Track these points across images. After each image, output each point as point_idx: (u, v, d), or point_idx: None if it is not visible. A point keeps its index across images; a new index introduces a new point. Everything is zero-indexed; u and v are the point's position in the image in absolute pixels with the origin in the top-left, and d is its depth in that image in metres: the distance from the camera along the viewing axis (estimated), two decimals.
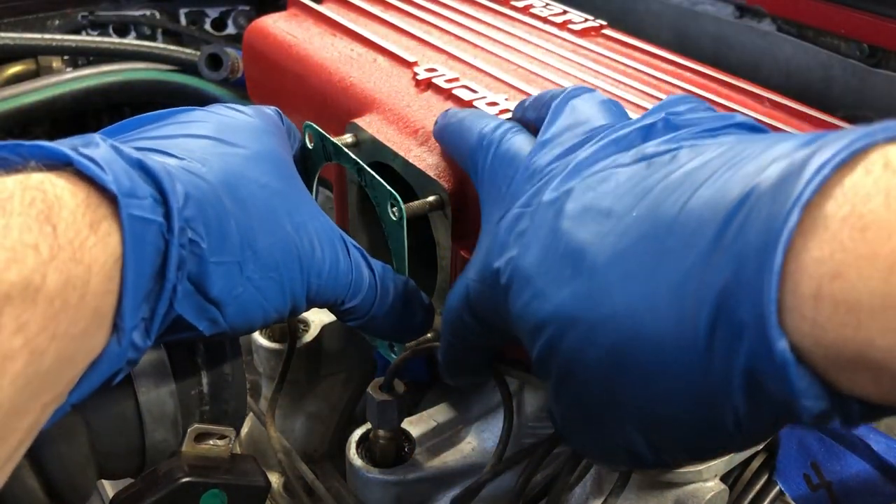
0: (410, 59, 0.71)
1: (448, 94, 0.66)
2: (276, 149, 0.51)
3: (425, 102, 0.66)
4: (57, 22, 1.27)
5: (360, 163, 0.57)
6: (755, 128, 0.43)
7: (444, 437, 0.70)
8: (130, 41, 1.24)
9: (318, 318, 0.75)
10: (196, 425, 0.50)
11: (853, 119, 0.76)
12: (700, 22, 0.96)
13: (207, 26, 1.35)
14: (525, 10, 0.84)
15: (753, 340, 0.31)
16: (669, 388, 0.36)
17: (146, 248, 0.39)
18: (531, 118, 0.53)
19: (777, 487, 0.61)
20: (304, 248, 0.48)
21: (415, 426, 0.69)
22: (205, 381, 0.52)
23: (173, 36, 1.32)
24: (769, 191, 0.32)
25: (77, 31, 1.27)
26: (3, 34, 1.14)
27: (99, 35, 1.28)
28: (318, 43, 0.77)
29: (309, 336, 0.74)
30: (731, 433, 0.35)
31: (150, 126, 0.48)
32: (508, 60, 0.72)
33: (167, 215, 0.40)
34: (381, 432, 0.65)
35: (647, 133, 0.43)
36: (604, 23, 0.81)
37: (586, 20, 0.81)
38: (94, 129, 0.45)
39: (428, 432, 0.69)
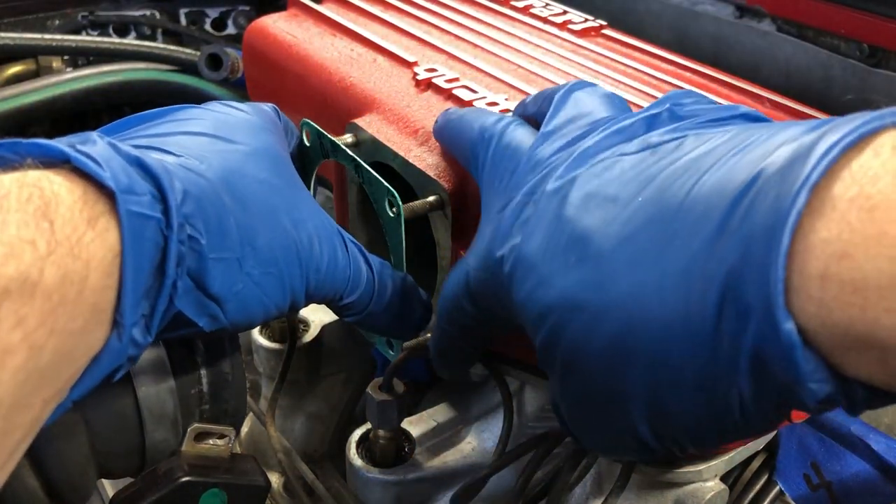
0: (410, 59, 0.71)
1: (448, 94, 0.66)
2: (274, 145, 0.51)
3: (425, 102, 0.66)
4: (57, 22, 1.27)
5: (358, 159, 0.57)
6: (759, 118, 0.43)
7: (444, 437, 0.70)
8: (130, 41, 1.24)
9: (318, 318, 0.75)
10: (196, 425, 0.50)
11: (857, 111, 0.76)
12: (700, 22, 0.96)
13: (207, 26, 1.35)
14: (525, 10, 0.84)
15: (760, 322, 0.32)
16: (675, 373, 0.36)
17: (145, 244, 0.39)
18: (532, 113, 0.53)
19: (777, 487, 0.61)
20: (303, 244, 0.49)
21: (415, 426, 0.69)
22: (204, 380, 0.52)
23: (173, 36, 1.32)
24: (777, 173, 0.33)
25: (77, 31, 1.27)
26: (3, 34, 1.14)
27: (99, 35, 1.28)
28: (318, 43, 0.77)
29: (309, 336, 0.74)
30: (736, 419, 0.35)
31: (147, 124, 0.48)
32: (508, 60, 0.72)
33: (166, 212, 0.40)
34: (381, 432, 0.65)
35: (651, 123, 0.44)
36: (604, 23, 0.81)
37: (586, 20, 0.81)
38: (94, 130, 0.45)
39: (428, 432, 0.69)
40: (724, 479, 0.55)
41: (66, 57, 1.22)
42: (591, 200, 0.41)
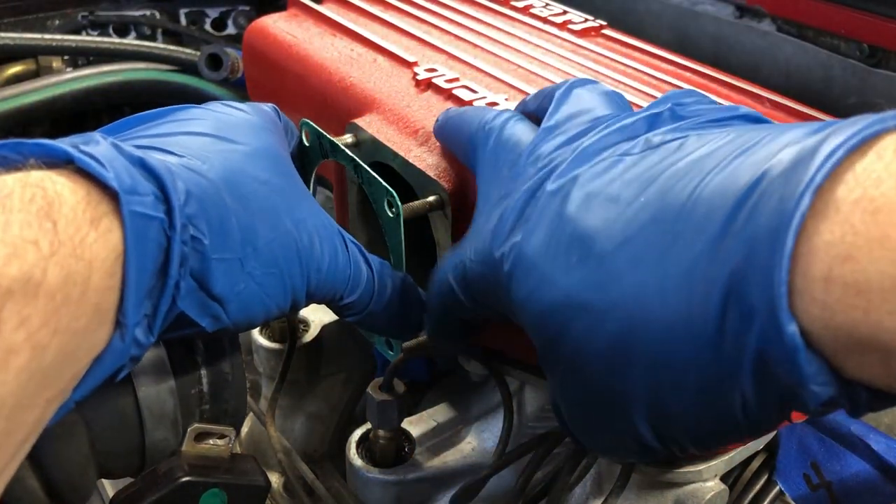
0: (410, 59, 0.71)
1: (448, 94, 0.66)
2: (275, 145, 0.51)
3: (425, 102, 0.66)
4: (57, 22, 1.27)
5: (357, 160, 0.57)
6: (760, 119, 0.43)
7: (444, 437, 0.70)
8: (130, 41, 1.24)
9: (318, 318, 0.75)
10: (196, 425, 0.50)
11: (860, 114, 0.76)
12: (700, 22, 0.96)
13: (207, 26, 1.35)
14: (525, 10, 0.84)
15: (763, 324, 0.32)
16: (678, 374, 0.36)
17: (148, 245, 0.39)
18: (532, 110, 0.53)
19: (777, 487, 0.61)
20: (304, 244, 0.49)
21: (415, 426, 0.69)
22: (204, 380, 0.52)
23: (173, 36, 1.32)
24: (781, 175, 0.33)
25: (77, 31, 1.27)
26: (3, 34, 1.14)
27: (99, 35, 1.28)
28: (318, 43, 0.77)
29: (309, 336, 0.74)
30: (739, 420, 0.35)
31: (148, 124, 0.48)
32: (508, 60, 0.72)
33: (169, 212, 0.40)
34: (381, 432, 0.65)
35: (653, 122, 0.44)
36: (604, 23, 0.81)
37: (586, 20, 0.81)
38: (94, 130, 0.45)
39: (428, 432, 0.69)
40: (724, 479, 0.55)
41: (66, 57, 1.22)
42: (593, 200, 0.41)
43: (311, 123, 0.61)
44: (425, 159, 0.60)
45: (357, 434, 0.67)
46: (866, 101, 0.81)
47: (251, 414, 0.76)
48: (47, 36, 1.17)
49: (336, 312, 0.56)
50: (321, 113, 0.72)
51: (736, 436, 0.37)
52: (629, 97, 0.65)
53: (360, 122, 0.65)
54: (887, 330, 0.29)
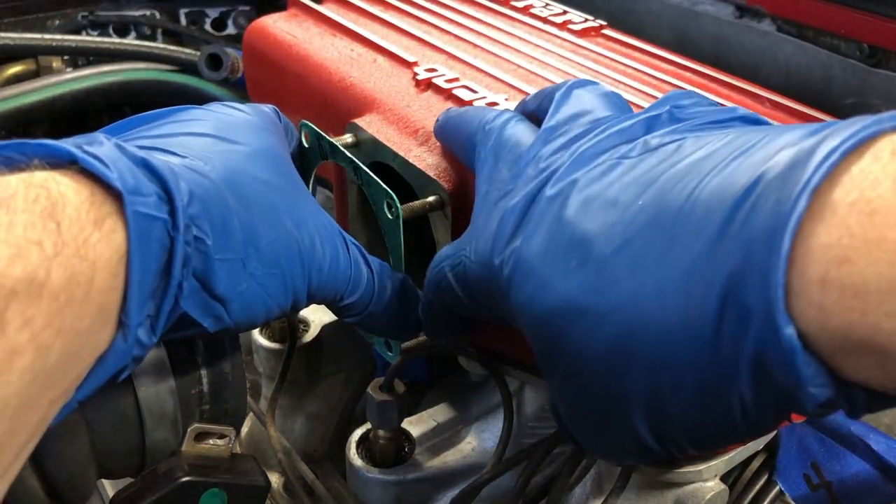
0: (410, 59, 0.71)
1: (448, 94, 0.66)
2: (275, 146, 0.51)
3: (425, 102, 0.66)
4: (57, 22, 1.27)
5: (356, 161, 0.57)
6: (758, 121, 0.43)
7: (444, 437, 0.70)
8: (130, 41, 1.24)
9: (318, 318, 0.75)
10: (196, 425, 0.50)
11: (857, 115, 0.76)
12: (700, 22, 0.96)
13: (207, 26, 1.35)
14: (525, 10, 0.84)
15: (761, 326, 0.32)
16: (676, 376, 0.36)
17: (151, 245, 0.39)
18: (532, 110, 0.53)
19: (777, 487, 0.61)
20: (305, 244, 0.49)
21: (415, 426, 0.69)
22: (205, 380, 0.52)
23: (173, 36, 1.32)
24: (777, 177, 0.33)
25: (77, 31, 1.27)
26: (3, 34, 1.14)
27: (99, 35, 1.28)
28: (318, 43, 0.77)
29: (309, 336, 0.74)
30: (737, 422, 0.35)
31: (149, 125, 0.48)
32: (508, 60, 0.72)
33: (172, 213, 0.40)
34: (381, 432, 0.65)
35: (650, 124, 0.44)
36: (604, 23, 0.81)
37: (586, 20, 0.81)
38: (94, 130, 0.45)
39: (428, 432, 0.69)
40: (724, 479, 0.55)
41: (66, 57, 1.22)
42: (592, 204, 0.41)
43: (311, 125, 0.61)
44: (425, 159, 0.60)
45: (357, 434, 0.67)
46: (864, 101, 0.81)
47: (251, 414, 0.76)
48: (47, 36, 1.17)
49: (336, 313, 0.56)
50: (321, 113, 0.72)
51: (734, 437, 0.37)
52: (629, 97, 0.65)
53: (360, 122, 0.65)
54: (884, 332, 0.29)
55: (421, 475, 0.66)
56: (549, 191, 0.43)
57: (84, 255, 0.35)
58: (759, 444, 0.58)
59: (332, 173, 0.69)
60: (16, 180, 0.35)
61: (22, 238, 0.33)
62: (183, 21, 1.34)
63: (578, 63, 0.72)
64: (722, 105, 0.46)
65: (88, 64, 1.21)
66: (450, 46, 0.75)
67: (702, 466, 0.53)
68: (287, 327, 0.72)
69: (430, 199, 0.58)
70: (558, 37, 0.79)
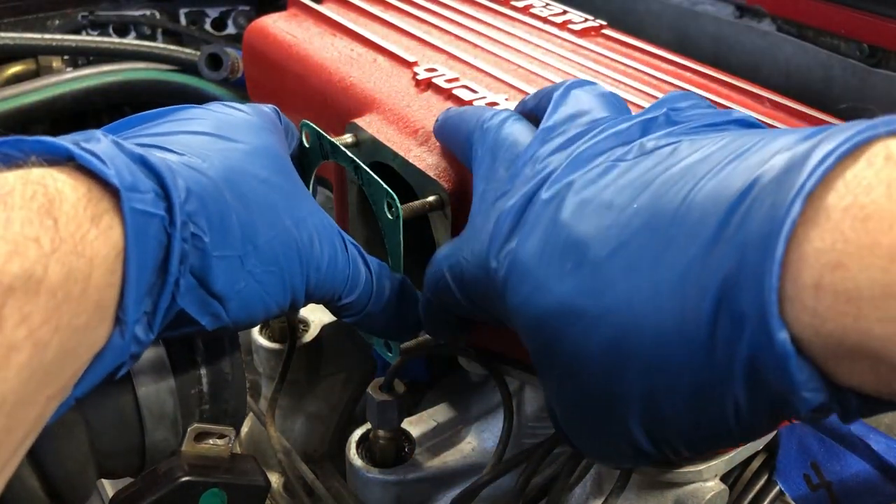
0: (410, 59, 0.71)
1: (448, 94, 0.66)
2: (275, 145, 0.51)
3: (425, 102, 0.66)
4: (57, 22, 1.27)
5: (357, 161, 0.57)
6: (754, 124, 0.43)
7: (444, 437, 0.70)
8: (130, 41, 1.24)
9: (317, 318, 0.75)
10: (196, 425, 0.50)
11: (853, 119, 0.76)
12: (700, 22, 0.96)
13: (207, 26, 1.35)
14: (525, 10, 0.84)
15: (754, 331, 0.32)
16: (671, 378, 0.36)
17: (148, 242, 0.39)
18: (531, 109, 0.53)
19: (777, 487, 0.61)
20: (303, 242, 0.49)
21: (415, 426, 0.69)
22: (204, 380, 0.52)
23: (173, 36, 1.32)
24: (772, 182, 0.33)
25: (77, 31, 1.27)
26: (3, 34, 1.14)
27: (99, 35, 1.28)
28: (318, 43, 0.77)
29: (309, 336, 0.74)
30: (731, 426, 0.35)
31: (148, 124, 0.48)
32: (508, 60, 0.72)
33: (169, 209, 0.40)
34: (381, 432, 0.65)
35: (647, 127, 0.44)
36: (604, 23, 0.81)
37: (586, 20, 0.81)
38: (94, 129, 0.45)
39: (428, 432, 0.69)
40: (724, 479, 0.55)
41: (66, 57, 1.22)
42: (587, 206, 0.41)
43: (312, 125, 0.61)
44: (425, 159, 0.60)
45: (357, 434, 0.67)
46: (859, 105, 0.81)
47: (251, 414, 0.76)
48: (47, 36, 1.17)
49: (334, 313, 0.55)
50: (321, 113, 0.72)
51: (729, 440, 0.37)
52: (629, 97, 0.65)
53: (360, 121, 0.65)
54: (877, 337, 0.29)
55: (421, 475, 0.66)
56: (545, 193, 0.43)
57: (81, 251, 0.35)
58: (759, 444, 0.58)
59: (333, 173, 0.69)
60: (13, 177, 0.35)
61: (19, 235, 0.33)
62: (183, 21, 1.34)
63: (578, 63, 0.72)
64: (721, 106, 0.46)
65: (88, 64, 1.21)
66: (450, 46, 0.75)
67: (702, 466, 0.53)
68: (287, 327, 0.72)
69: (430, 198, 0.58)
70: (558, 37, 0.79)
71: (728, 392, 0.34)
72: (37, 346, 0.33)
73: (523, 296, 0.42)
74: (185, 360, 0.51)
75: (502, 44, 0.76)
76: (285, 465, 0.67)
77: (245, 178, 0.47)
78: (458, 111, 0.58)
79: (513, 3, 0.86)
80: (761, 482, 0.61)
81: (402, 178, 0.61)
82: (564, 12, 0.83)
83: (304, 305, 0.52)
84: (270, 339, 0.74)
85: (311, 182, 0.63)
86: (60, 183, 0.36)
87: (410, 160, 0.60)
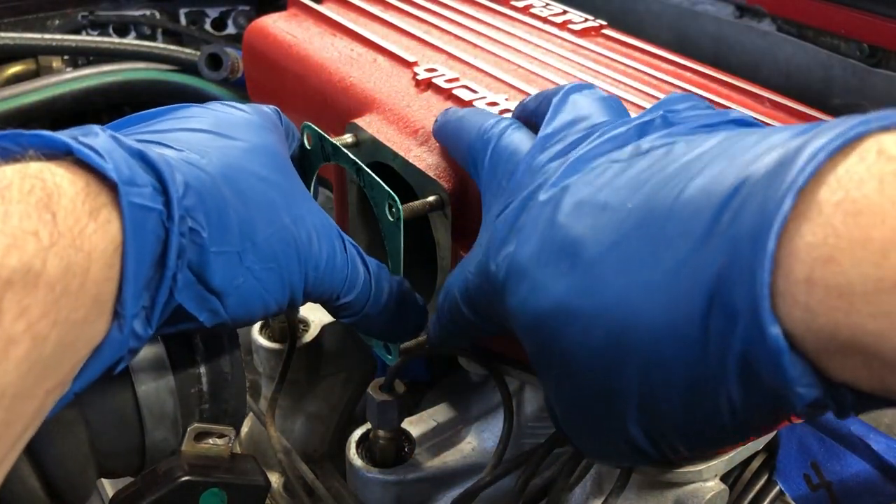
0: (410, 59, 0.71)
1: (448, 94, 0.66)
2: (274, 143, 0.51)
3: (425, 102, 0.66)
4: (57, 22, 1.27)
5: (359, 163, 0.57)
6: (751, 124, 0.43)
7: (444, 437, 0.70)
8: (130, 41, 1.24)
9: (318, 318, 0.75)
10: (196, 424, 0.50)
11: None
12: (700, 22, 0.96)
13: (207, 26, 1.35)
14: (525, 10, 0.84)
15: (747, 326, 0.32)
16: (666, 375, 0.36)
17: (146, 236, 0.39)
18: (530, 114, 0.53)
19: (777, 487, 0.61)
20: (302, 240, 0.49)
21: (415, 426, 0.69)
22: (204, 379, 0.52)
23: (173, 36, 1.32)
24: (764, 178, 0.33)
25: (77, 31, 1.27)
26: (3, 34, 1.14)
27: (99, 35, 1.28)
28: (318, 43, 0.77)
29: (309, 336, 0.74)
30: (727, 422, 0.35)
31: (148, 122, 0.49)
32: (508, 60, 0.72)
33: (167, 204, 0.40)
34: (381, 432, 0.65)
35: (644, 130, 0.44)
36: (604, 23, 0.81)
37: (586, 20, 0.81)
38: None
39: (428, 432, 0.69)
40: (724, 479, 0.55)
41: (66, 57, 1.22)
42: (583, 208, 0.41)
43: (314, 126, 0.61)
44: (425, 159, 0.60)
45: (357, 434, 0.67)
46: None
47: (251, 414, 0.76)
48: (47, 36, 1.17)
49: (332, 313, 0.55)
50: (321, 113, 0.72)
51: (725, 437, 0.37)
52: (629, 97, 0.65)
53: (360, 122, 0.65)
54: (869, 332, 0.29)
55: (421, 475, 0.66)
56: (542, 196, 0.44)
57: (80, 245, 0.35)
58: (759, 444, 0.58)
59: (333, 174, 0.69)
60: (11, 171, 0.35)
61: (18, 228, 0.33)
62: (183, 21, 1.34)
63: (578, 63, 0.72)
64: (721, 106, 0.46)
65: (88, 64, 1.21)
66: (450, 46, 0.75)
67: (702, 466, 0.53)
68: (287, 327, 0.72)
69: (430, 198, 0.58)
70: (558, 37, 0.79)
71: (722, 388, 0.34)
72: (35, 340, 0.33)
73: (521, 297, 0.42)
74: (184, 359, 0.51)
75: (502, 44, 0.76)
76: (285, 465, 0.67)
77: (244, 175, 0.47)
78: (456, 116, 0.58)
79: (513, 2, 0.86)
80: (761, 482, 0.61)
81: (401, 178, 0.61)
82: (564, 12, 0.83)
83: (303, 304, 0.52)
84: (270, 338, 0.74)
85: (313, 183, 0.63)
86: (59, 177, 0.36)
87: (410, 160, 0.60)
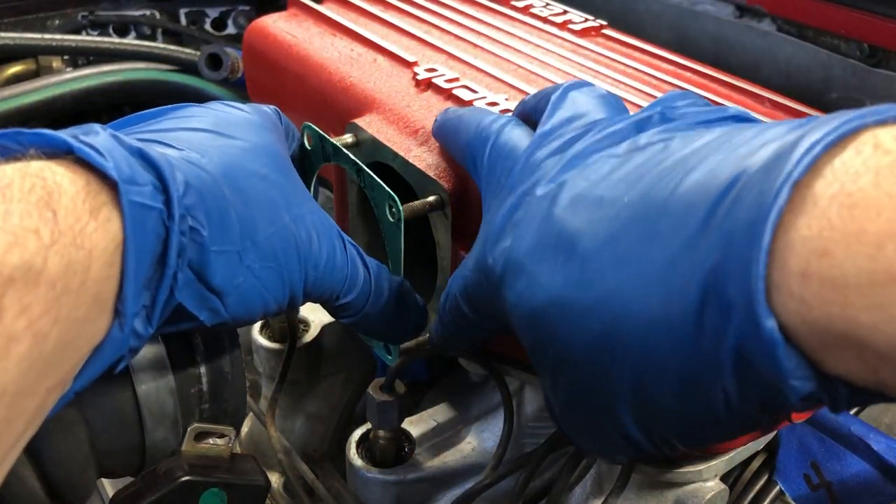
0: (410, 59, 0.71)
1: (448, 94, 0.66)
2: (274, 143, 0.51)
3: (425, 102, 0.66)
4: (57, 22, 1.27)
5: (359, 163, 0.57)
6: (750, 119, 0.43)
7: (444, 437, 0.70)
8: (130, 41, 1.24)
9: (318, 318, 0.75)
10: (196, 424, 0.50)
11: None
12: (700, 22, 0.96)
13: (207, 26, 1.35)
14: (525, 10, 0.84)
15: (742, 319, 0.32)
16: (660, 369, 0.36)
17: (147, 235, 0.39)
18: (530, 111, 0.53)
19: (777, 487, 0.61)
20: (302, 239, 0.49)
21: (415, 426, 0.69)
22: (204, 379, 0.52)
23: (173, 36, 1.32)
24: (760, 171, 0.33)
25: (77, 31, 1.27)
26: (3, 34, 1.14)
27: (99, 35, 1.28)
28: (318, 43, 0.77)
29: (309, 336, 0.74)
30: (721, 416, 0.35)
31: (148, 122, 0.49)
32: (508, 60, 0.72)
33: (167, 202, 0.40)
34: (381, 432, 0.65)
35: (641, 126, 0.44)
36: (604, 23, 0.81)
37: (586, 20, 0.81)
38: None
39: (428, 432, 0.69)
40: (724, 479, 0.55)
41: (66, 57, 1.22)
42: (579, 202, 0.41)
43: (314, 127, 0.61)
44: (425, 159, 0.60)
45: (357, 434, 0.67)
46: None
47: (251, 414, 0.76)
48: (47, 36, 1.17)
49: (332, 313, 0.55)
50: (321, 113, 0.72)
51: (720, 431, 0.37)
52: (629, 97, 0.65)
53: (360, 122, 0.65)
54: (863, 325, 0.29)
55: (421, 475, 0.66)
56: (540, 191, 0.44)
57: (80, 244, 0.35)
58: (759, 444, 0.58)
59: (333, 174, 0.69)
60: (11, 169, 0.36)
61: (19, 226, 0.33)
62: (183, 21, 1.34)
63: (578, 63, 0.72)
64: (720, 105, 0.46)
65: (88, 64, 1.21)
66: (450, 46, 0.75)
67: (702, 466, 0.53)
68: (287, 327, 0.72)
69: (430, 198, 0.58)
70: (558, 37, 0.79)
71: (716, 381, 0.34)
72: (36, 337, 0.33)
73: (518, 291, 0.42)
74: (184, 359, 0.51)
75: (502, 44, 0.76)
76: (285, 465, 0.67)
77: (244, 174, 0.47)
78: (456, 115, 0.58)
79: (513, 2, 0.86)
80: (761, 482, 0.61)
81: (402, 178, 0.61)
82: (564, 12, 0.83)
83: (303, 304, 0.52)
84: (270, 338, 0.74)
85: (313, 184, 0.63)
86: (59, 176, 0.36)
87: (410, 160, 0.60)
